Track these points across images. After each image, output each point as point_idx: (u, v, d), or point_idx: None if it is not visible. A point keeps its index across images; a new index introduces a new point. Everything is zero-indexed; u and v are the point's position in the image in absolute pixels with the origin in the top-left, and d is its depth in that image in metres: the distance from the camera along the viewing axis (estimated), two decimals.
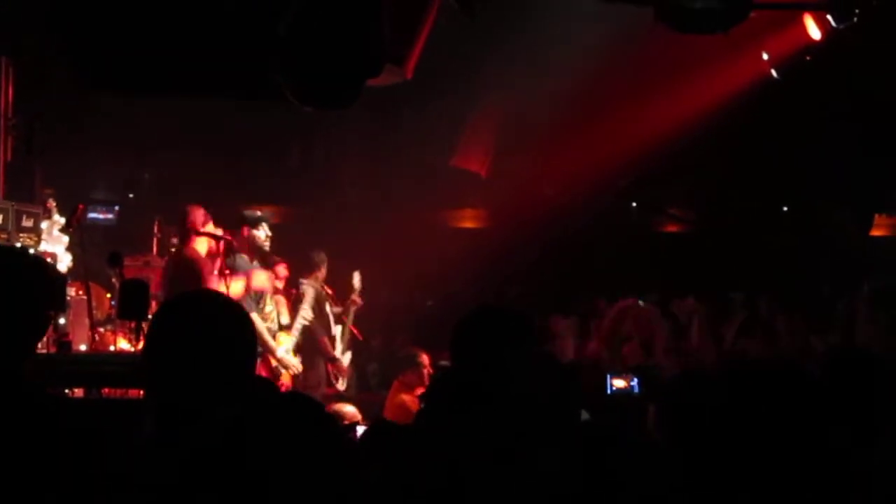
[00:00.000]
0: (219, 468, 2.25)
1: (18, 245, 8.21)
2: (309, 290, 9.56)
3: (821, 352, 9.08)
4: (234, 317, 2.68)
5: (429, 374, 8.85)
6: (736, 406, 2.16)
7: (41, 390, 2.77)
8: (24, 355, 2.76)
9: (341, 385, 10.09)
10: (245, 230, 8.35)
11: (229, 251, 8.03)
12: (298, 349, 9.04)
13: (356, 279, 10.57)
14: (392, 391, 9.10)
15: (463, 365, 3.34)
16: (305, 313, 9.27)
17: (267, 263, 8.72)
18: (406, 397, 8.78)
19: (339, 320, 10.33)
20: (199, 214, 8.09)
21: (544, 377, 3.46)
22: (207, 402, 2.50)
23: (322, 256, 10.27)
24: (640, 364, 9.08)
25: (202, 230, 8.01)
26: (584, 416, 4.28)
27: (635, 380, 7.11)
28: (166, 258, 9.30)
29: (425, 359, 8.90)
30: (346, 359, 10.34)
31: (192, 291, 4.60)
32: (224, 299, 2.94)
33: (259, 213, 8.55)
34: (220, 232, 8.08)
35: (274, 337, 8.59)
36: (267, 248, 8.49)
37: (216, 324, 2.61)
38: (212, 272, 7.90)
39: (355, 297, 10.52)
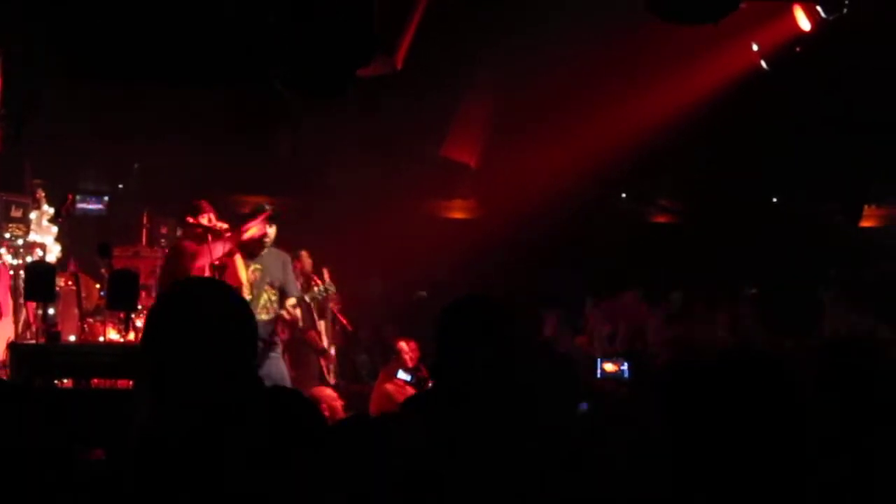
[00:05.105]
0: (210, 455, 2.25)
1: (7, 236, 8.20)
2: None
3: (815, 342, 9.09)
4: (234, 305, 2.65)
5: (412, 360, 8.86)
6: (731, 397, 2.17)
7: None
8: None
9: (333, 377, 10.08)
10: (260, 221, 8.10)
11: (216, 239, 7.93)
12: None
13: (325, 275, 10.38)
14: (378, 381, 9.13)
15: (445, 353, 3.32)
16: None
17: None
18: (390, 387, 8.80)
19: (322, 315, 10.26)
20: (199, 206, 7.99)
21: (543, 368, 3.46)
22: (209, 391, 2.49)
23: (298, 252, 10.03)
24: (632, 349, 9.09)
25: (192, 221, 7.95)
26: (583, 406, 4.29)
27: (625, 364, 7.11)
28: (156, 248, 9.25)
29: (404, 346, 8.90)
30: (331, 351, 10.30)
31: (193, 279, 4.52)
32: (224, 287, 2.92)
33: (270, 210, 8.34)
34: (206, 221, 7.98)
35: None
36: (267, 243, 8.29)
37: (217, 312, 2.58)
38: (206, 263, 7.82)
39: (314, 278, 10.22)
